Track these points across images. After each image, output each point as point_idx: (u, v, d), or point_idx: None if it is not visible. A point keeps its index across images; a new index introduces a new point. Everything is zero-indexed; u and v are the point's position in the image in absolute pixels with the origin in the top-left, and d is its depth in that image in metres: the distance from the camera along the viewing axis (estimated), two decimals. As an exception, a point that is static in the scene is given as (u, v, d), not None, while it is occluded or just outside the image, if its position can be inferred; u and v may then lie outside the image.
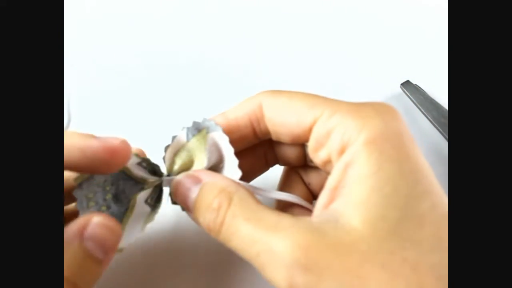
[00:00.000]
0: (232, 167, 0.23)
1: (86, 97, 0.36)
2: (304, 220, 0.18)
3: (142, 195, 0.23)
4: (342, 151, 0.19)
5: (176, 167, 0.24)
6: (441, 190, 0.18)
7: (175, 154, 0.24)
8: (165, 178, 0.23)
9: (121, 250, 0.21)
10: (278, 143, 0.24)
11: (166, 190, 0.24)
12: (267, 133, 0.22)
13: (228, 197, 0.19)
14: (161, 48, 0.40)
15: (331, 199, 0.18)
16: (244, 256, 0.18)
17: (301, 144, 0.23)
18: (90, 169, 0.20)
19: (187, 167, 0.24)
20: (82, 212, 0.21)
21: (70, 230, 0.18)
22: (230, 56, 0.39)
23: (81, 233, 0.18)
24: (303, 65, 0.39)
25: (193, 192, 0.20)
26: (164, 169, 0.24)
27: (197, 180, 0.21)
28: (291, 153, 0.24)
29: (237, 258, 0.28)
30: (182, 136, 0.24)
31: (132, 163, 0.23)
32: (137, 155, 0.23)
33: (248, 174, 0.25)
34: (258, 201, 0.19)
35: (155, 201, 0.23)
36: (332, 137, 0.19)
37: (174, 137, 0.24)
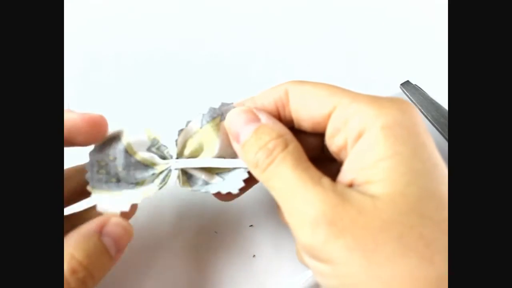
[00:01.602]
0: (240, 172, 0.24)
1: (89, 92, 0.36)
2: (341, 184, 0.19)
3: (151, 179, 0.24)
4: (359, 136, 0.19)
5: (186, 151, 0.24)
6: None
7: (187, 139, 0.24)
8: (173, 161, 0.24)
9: (114, 214, 0.22)
10: (298, 132, 0.24)
11: (173, 173, 0.24)
12: (291, 120, 0.23)
13: (284, 143, 0.20)
14: (172, 40, 0.40)
15: (351, 182, 0.19)
16: (277, 197, 0.20)
17: (320, 134, 0.23)
18: (70, 140, 0.22)
19: (197, 152, 0.24)
20: (91, 176, 0.23)
21: (91, 225, 0.21)
22: (234, 53, 0.39)
23: (100, 229, 0.21)
24: (303, 65, 0.39)
25: (249, 129, 0.21)
26: (173, 152, 0.24)
27: (255, 119, 0.22)
28: (309, 143, 0.24)
29: (237, 258, 0.28)
30: (197, 122, 0.24)
31: (142, 148, 0.24)
32: (147, 133, 0.24)
33: None
34: (307, 157, 0.20)
35: (161, 182, 0.24)
36: (350, 123, 0.20)
37: (188, 122, 0.24)
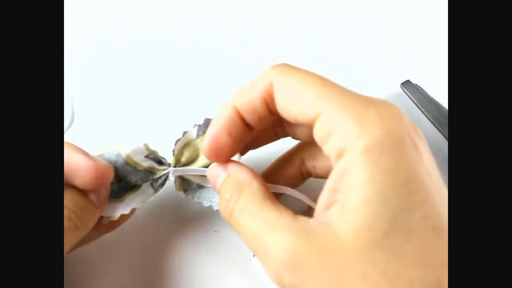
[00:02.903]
0: None
1: (92, 94, 0.36)
2: (301, 221, 0.19)
3: (149, 182, 0.25)
4: (340, 155, 0.18)
5: (183, 159, 0.26)
6: (440, 200, 0.17)
7: (184, 147, 0.26)
8: (172, 169, 0.25)
9: (115, 217, 0.24)
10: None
11: (171, 179, 0.26)
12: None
13: (239, 191, 0.21)
14: (171, 42, 0.40)
15: (331, 203, 0.19)
16: (247, 247, 0.20)
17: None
18: (67, 181, 0.22)
19: (192, 159, 0.26)
20: None
21: None
22: (238, 50, 0.39)
23: None
24: (303, 64, 0.39)
25: (220, 179, 0.23)
26: (170, 160, 0.26)
27: (225, 170, 0.23)
28: (301, 132, 0.24)
29: (237, 257, 0.28)
30: (193, 133, 0.26)
31: (140, 156, 0.25)
32: (146, 146, 0.25)
33: (256, 142, 0.26)
34: (267, 196, 0.20)
35: (159, 186, 0.26)
36: (332, 137, 0.19)
37: (185, 132, 0.26)
